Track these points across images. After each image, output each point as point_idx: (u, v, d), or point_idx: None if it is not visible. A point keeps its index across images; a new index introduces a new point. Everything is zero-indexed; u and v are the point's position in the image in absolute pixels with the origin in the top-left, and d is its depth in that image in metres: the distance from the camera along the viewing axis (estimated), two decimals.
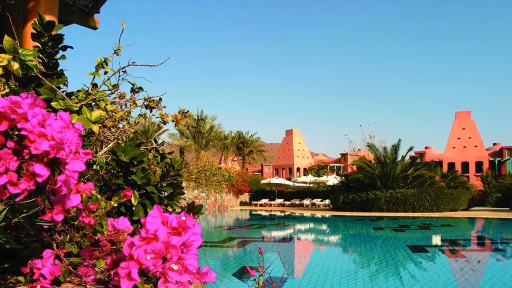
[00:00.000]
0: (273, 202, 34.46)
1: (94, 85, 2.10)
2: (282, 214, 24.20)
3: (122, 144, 1.80)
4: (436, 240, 11.71)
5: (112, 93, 2.29)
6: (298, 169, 58.47)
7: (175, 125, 2.64)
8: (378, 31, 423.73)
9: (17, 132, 0.92)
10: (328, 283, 5.79)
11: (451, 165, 44.26)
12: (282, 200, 35.70)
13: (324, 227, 17.32)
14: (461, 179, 31.65)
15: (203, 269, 0.93)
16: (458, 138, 45.45)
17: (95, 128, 1.56)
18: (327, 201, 31.22)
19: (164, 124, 2.62)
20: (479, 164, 44.15)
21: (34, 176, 0.91)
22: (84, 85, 2.14)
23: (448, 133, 46.24)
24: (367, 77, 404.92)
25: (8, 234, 0.89)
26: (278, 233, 13.74)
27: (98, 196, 1.29)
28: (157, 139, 2.55)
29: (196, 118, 40.62)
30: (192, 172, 28.62)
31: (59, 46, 1.58)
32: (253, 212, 26.27)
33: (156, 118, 2.59)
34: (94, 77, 2.06)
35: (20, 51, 1.40)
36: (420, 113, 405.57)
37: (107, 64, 2.09)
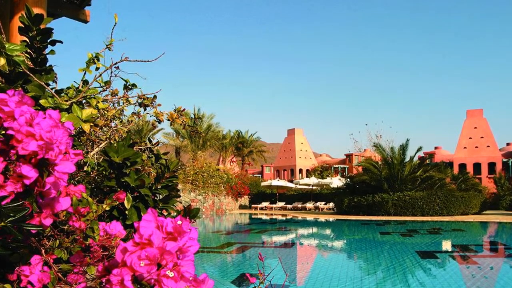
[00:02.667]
0: (274, 206, 34.47)
1: (85, 82, 2.10)
2: (284, 218, 24.21)
3: (115, 144, 1.80)
4: (447, 245, 11.72)
5: (104, 90, 2.30)
6: (300, 170, 58.48)
7: (171, 124, 2.64)
8: (385, 26, 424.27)
9: (3, 132, 0.92)
10: None
11: (462, 166, 44.26)
12: (284, 203, 35.71)
13: (328, 231, 17.33)
14: (472, 181, 31.64)
15: (200, 276, 0.93)
16: (470, 138, 45.45)
17: (86, 127, 1.56)
18: (331, 204, 31.25)
19: (159, 123, 2.62)
20: (491, 165, 44.14)
21: (21, 178, 0.91)
22: (75, 81, 2.14)
23: (459, 132, 46.26)
24: (373, 73, 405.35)
25: None
26: (279, 238, 13.74)
27: (89, 199, 1.29)
28: (152, 139, 2.55)
29: (193, 116, 40.62)
30: (189, 173, 28.64)
31: (48, 41, 1.58)
32: (253, 216, 26.28)
33: (150, 116, 2.60)
34: (85, 73, 2.06)
35: (6, 45, 1.40)
36: (430, 111, 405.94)
37: (98, 60, 2.09)
